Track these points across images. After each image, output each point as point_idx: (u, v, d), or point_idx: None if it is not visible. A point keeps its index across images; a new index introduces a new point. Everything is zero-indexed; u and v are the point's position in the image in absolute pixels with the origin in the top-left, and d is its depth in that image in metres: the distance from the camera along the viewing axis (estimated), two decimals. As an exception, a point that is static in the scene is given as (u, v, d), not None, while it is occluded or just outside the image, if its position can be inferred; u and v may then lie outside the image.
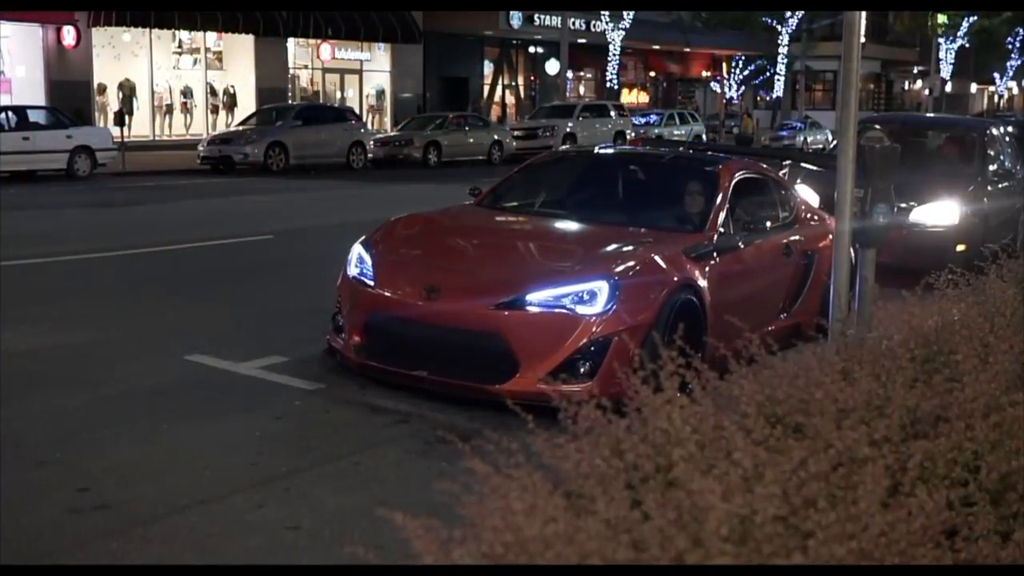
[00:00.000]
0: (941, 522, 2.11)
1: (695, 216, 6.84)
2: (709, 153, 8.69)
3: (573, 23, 35.64)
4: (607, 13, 36.41)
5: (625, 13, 36.42)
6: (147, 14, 27.59)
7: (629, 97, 44.47)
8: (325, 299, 8.44)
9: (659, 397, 2.21)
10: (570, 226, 7.03)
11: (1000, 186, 11.18)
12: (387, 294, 6.20)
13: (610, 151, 9.66)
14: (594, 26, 37.94)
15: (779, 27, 42.03)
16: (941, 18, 49.26)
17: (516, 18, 36.65)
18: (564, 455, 2.14)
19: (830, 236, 7.92)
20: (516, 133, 31.26)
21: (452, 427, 5.56)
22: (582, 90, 44.56)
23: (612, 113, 33.33)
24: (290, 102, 31.09)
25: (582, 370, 5.69)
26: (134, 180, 21.47)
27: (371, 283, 6.28)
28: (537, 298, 5.79)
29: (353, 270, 6.47)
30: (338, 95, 35.69)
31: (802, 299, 7.46)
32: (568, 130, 31.00)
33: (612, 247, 6.32)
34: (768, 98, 50.34)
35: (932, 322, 3.38)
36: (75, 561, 3.95)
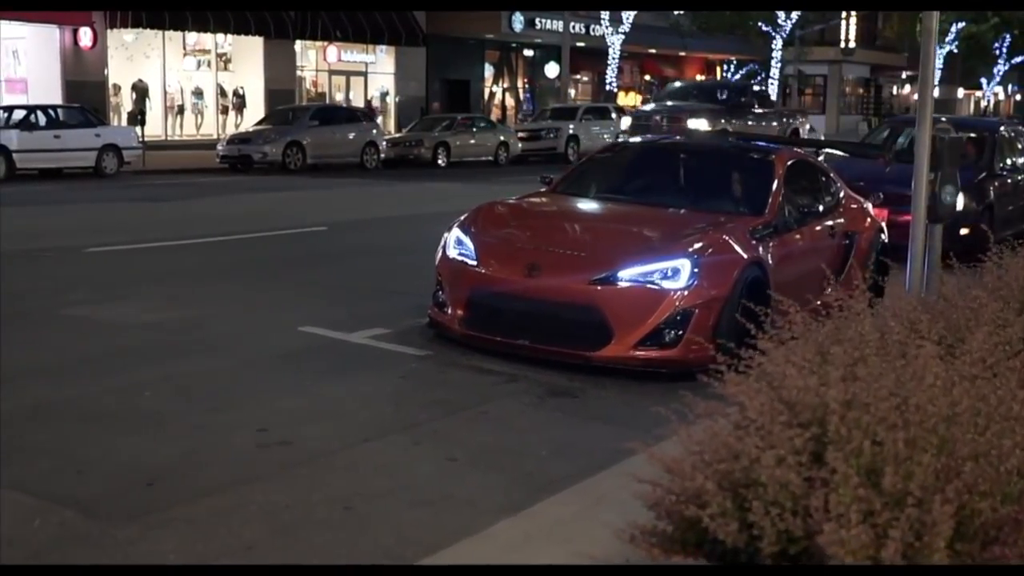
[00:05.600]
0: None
1: (755, 200, 7.59)
2: (756, 143, 9.42)
3: (573, 27, 36.44)
4: (607, 17, 37.17)
5: (624, 18, 37.19)
6: (162, 17, 28.27)
7: (625, 100, 45.27)
8: (397, 281, 9.35)
9: (852, 309, 3.00)
10: (644, 210, 7.77)
11: (1008, 180, 12.08)
12: (489, 272, 6.92)
13: (668, 142, 10.37)
14: (593, 30, 38.79)
15: (773, 31, 42.89)
16: (929, 24, 50.26)
17: (518, 22, 37.44)
18: (776, 357, 2.91)
19: (868, 219, 8.77)
20: (521, 135, 32.01)
21: (556, 384, 6.35)
22: (574, 93, 45.26)
23: (613, 115, 34.10)
24: (300, 103, 31.78)
25: (667, 339, 6.45)
26: (160, 178, 22.13)
27: (473, 262, 7.01)
28: (628, 274, 6.55)
29: (452, 251, 7.19)
30: (340, 96, 36.35)
31: (844, 276, 8.24)
32: (571, 132, 31.76)
33: (689, 229, 7.07)
34: (759, 101, 51.23)
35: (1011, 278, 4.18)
36: (277, 484, 4.63)
